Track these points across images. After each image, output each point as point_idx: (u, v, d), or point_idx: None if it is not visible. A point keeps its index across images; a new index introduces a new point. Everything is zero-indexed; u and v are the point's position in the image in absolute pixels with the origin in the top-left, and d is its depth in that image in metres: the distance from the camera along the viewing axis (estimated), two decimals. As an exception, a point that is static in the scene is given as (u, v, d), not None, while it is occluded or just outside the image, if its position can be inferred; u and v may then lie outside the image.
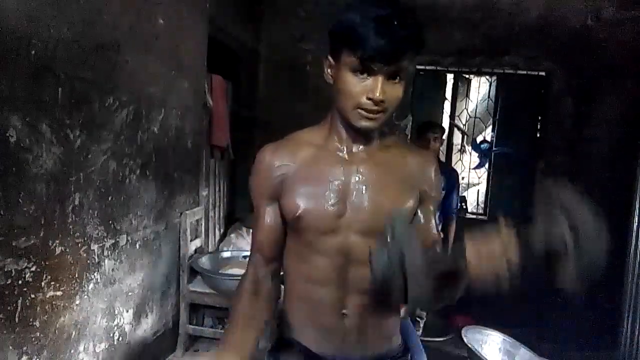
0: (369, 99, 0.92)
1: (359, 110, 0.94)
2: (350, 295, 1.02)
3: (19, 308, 1.66)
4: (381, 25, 0.87)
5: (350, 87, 0.93)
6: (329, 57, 0.98)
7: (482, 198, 4.23)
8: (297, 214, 1.00)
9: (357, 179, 1.01)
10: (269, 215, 1.06)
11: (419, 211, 1.07)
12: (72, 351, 1.96)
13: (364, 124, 0.95)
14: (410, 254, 0.77)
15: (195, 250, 3.07)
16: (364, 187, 1.00)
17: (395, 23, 0.87)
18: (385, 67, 0.90)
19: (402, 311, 1.14)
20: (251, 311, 1.05)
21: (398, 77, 0.93)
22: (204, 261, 2.98)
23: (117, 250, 2.24)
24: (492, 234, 0.82)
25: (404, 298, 0.79)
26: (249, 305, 1.05)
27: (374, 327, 1.05)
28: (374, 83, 0.91)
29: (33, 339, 1.74)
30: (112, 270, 2.22)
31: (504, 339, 2.60)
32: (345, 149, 1.03)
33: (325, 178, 1.01)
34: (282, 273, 1.16)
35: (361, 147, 1.03)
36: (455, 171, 3.41)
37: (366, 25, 0.87)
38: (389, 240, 0.79)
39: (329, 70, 0.99)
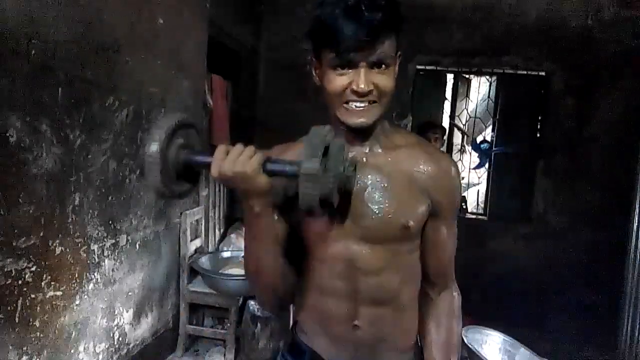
0: (353, 92, 0.87)
1: (346, 106, 0.89)
2: (361, 306, 0.97)
3: (19, 308, 1.66)
4: (350, 13, 0.83)
5: (335, 84, 0.88)
6: (314, 59, 0.95)
7: (482, 198, 4.23)
8: (297, 219, 0.97)
9: (357, 184, 0.93)
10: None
11: (428, 225, 0.99)
12: (72, 351, 1.96)
13: (355, 120, 0.90)
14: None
15: (195, 250, 3.07)
16: (365, 193, 0.94)
17: (364, 9, 0.83)
18: (364, 55, 0.85)
19: None
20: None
21: (383, 65, 0.87)
22: (204, 261, 2.98)
23: (117, 250, 2.24)
24: None
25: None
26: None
27: (388, 340, 1.01)
28: (356, 75, 0.86)
29: (33, 339, 1.74)
30: (112, 270, 2.21)
31: (504, 339, 2.60)
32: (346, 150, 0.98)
33: None
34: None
35: (362, 148, 0.97)
36: (455, 171, 3.41)
37: (336, 17, 0.84)
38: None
39: (315, 73, 0.96)
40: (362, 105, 0.88)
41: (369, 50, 0.85)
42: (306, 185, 0.79)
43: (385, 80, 0.88)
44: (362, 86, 0.86)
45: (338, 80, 0.88)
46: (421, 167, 0.96)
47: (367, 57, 0.86)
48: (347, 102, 0.89)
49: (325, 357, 1.03)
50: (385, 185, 0.94)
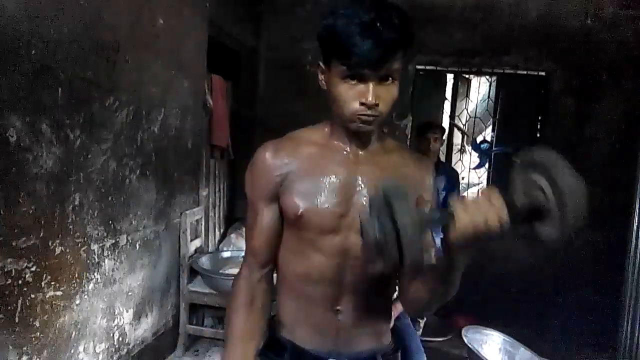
0: (362, 104, 0.91)
1: (357, 116, 0.93)
2: (345, 292, 1.02)
3: (19, 308, 1.66)
4: (365, 31, 0.85)
5: (343, 95, 0.92)
6: (321, 64, 0.97)
7: (482, 198, 4.22)
8: (299, 212, 0.98)
9: (359, 179, 1.00)
10: (265, 218, 1.04)
11: None
12: (72, 351, 1.96)
13: (361, 126, 0.95)
14: (402, 214, 0.76)
15: (195, 250, 3.07)
16: (366, 188, 1.00)
17: (379, 26, 0.85)
18: (374, 71, 0.89)
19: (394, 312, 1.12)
20: (248, 325, 1.06)
21: (390, 79, 0.92)
22: (204, 261, 2.98)
23: (117, 250, 2.24)
24: (478, 194, 0.81)
25: (398, 260, 0.77)
26: (246, 319, 1.06)
27: (367, 324, 1.06)
28: (366, 88, 0.90)
29: (33, 339, 1.74)
30: (112, 270, 2.22)
31: (504, 339, 2.60)
32: (348, 149, 1.02)
33: (328, 177, 1.00)
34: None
35: (362, 148, 1.03)
36: (455, 171, 3.41)
37: (350, 32, 0.86)
38: (378, 205, 0.77)
39: (322, 77, 0.98)
40: (369, 115, 0.93)
41: (380, 67, 0.89)
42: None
43: (390, 93, 0.93)
44: (370, 99, 0.90)
45: (347, 92, 0.92)
46: (410, 169, 1.06)
47: (377, 72, 0.89)
48: (355, 113, 0.93)
49: (306, 348, 1.05)
50: (381, 181, 1.00)
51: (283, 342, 1.07)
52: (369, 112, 0.91)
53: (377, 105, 0.91)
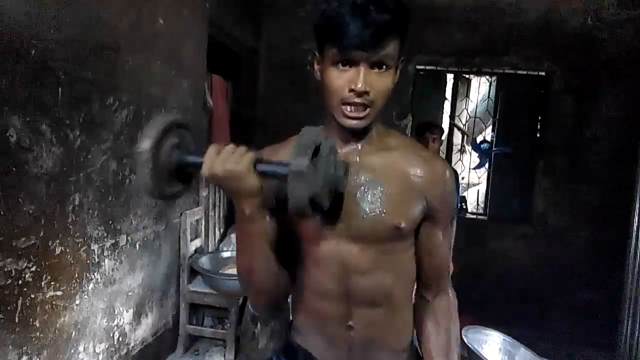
0: (351, 90, 0.86)
1: (344, 107, 0.89)
2: (355, 307, 0.97)
3: (19, 308, 1.66)
4: (357, 11, 0.83)
5: (333, 81, 0.88)
6: (316, 53, 0.94)
7: (482, 198, 4.23)
8: (292, 221, 0.95)
9: (349, 183, 0.92)
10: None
11: (422, 228, 0.99)
12: (72, 351, 1.96)
13: (350, 122, 0.90)
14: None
15: (195, 250, 3.07)
16: (357, 192, 0.93)
17: (372, 8, 0.83)
18: (366, 55, 0.85)
19: None
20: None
21: (384, 66, 0.87)
22: (204, 261, 2.98)
23: (117, 250, 2.24)
24: None
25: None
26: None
27: (382, 340, 1.01)
28: (356, 73, 0.86)
29: (33, 339, 1.74)
30: (112, 270, 2.22)
31: (504, 339, 2.60)
32: (338, 152, 0.96)
33: None
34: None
35: (356, 148, 0.96)
36: (455, 171, 3.41)
37: (342, 13, 0.84)
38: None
39: (316, 67, 0.94)
40: (359, 106, 0.88)
41: (372, 50, 0.85)
42: (295, 185, 0.77)
43: (383, 82, 0.88)
44: (360, 86, 0.86)
45: (338, 78, 0.88)
46: (417, 170, 0.96)
47: (369, 56, 0.85)
48: (344, 104, 0.89)
49: (319, 358, 1.03)
50: (378, 185, 0.94)
51: (297, 349, 1.06)
52: (358, 100, 0.87)
53: (367, 93, 0.86)
